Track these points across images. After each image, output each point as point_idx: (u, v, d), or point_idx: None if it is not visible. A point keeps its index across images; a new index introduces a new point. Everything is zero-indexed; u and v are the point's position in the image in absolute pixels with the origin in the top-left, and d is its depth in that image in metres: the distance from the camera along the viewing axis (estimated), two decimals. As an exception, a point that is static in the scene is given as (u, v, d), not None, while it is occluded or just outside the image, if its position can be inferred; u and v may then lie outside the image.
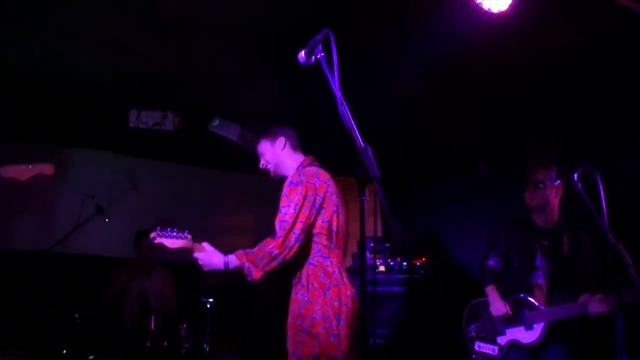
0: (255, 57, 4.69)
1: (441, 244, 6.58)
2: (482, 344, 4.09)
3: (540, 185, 3.95)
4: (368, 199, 2.04)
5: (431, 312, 5.60)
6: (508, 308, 3.95)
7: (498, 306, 3.99)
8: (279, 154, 3.46)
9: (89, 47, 4.60)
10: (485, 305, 4.11)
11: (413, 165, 6.81)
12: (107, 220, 5.66)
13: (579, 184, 3.05)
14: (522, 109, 5.30)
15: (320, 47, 2.29)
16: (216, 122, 5.84)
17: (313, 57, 2.36)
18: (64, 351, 4.77)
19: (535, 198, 4.02)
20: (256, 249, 3.04)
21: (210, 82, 5.19)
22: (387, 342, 5.51)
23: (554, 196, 3.98)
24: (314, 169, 3.31)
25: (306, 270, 3.13)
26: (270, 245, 3.02)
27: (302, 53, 2.39)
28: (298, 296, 3.11)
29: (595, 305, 3.62)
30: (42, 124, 5.87)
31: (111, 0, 3.97)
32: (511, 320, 3.95)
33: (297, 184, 3.14)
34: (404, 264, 5.84)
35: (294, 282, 3.18)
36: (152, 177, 6.48)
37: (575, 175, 3.07)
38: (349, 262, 6.18)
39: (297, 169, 3.38)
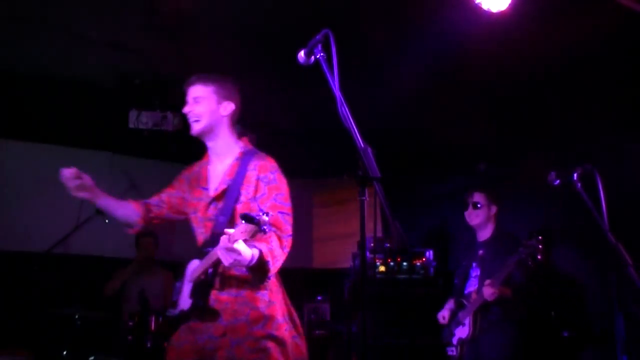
0: (255, 57, 4.69)
1: (442, 244, 6.58)
2: (448, 348, 4.58)
3: (479, 205, 4.51)
4: (368, 199, 2.04)
5: (431, 312, 5.59)
6: (443, 314, 4.64)
7: (440, 314, 4.68)
8: (219, 117, 2.93)
9: (89, 47, 4.61)
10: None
11: (413, 165, 6.81)
12: (107, 221, 5.65)
13: (579, 184, 3.06)
14: (522, 108, 5.31)
15: (319, 47, 2.29)
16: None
17: (313, 57, 2.35)
18: (65, 352, 4.77)
19: (476, 217, 4.56)
20: (273, 245, 2.62)
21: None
22: (386, 343, 5.51)
23: (491, 213, 4.54)
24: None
25: None
26: (284, 243, 2.70)
27: (302, 53, 2.38)
28: (258, 295, 2.72)
29: (487, 290, 4.08)
30: (42, 124, 5.88)
31: (111, 0, 3.97)
32: (455, 323, 4.51)
33: (280, 170, 2.88)
34: (404, 264, 5.84)
35: (244, 285, 2.74)
36: (152, 178, 6.47)
37: (575, 175, 3.09)
38: (349, 262, 6.19)
39: (248, 149, 2.96)
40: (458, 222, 6.50)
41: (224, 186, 2.84)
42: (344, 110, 2.11)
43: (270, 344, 2.64)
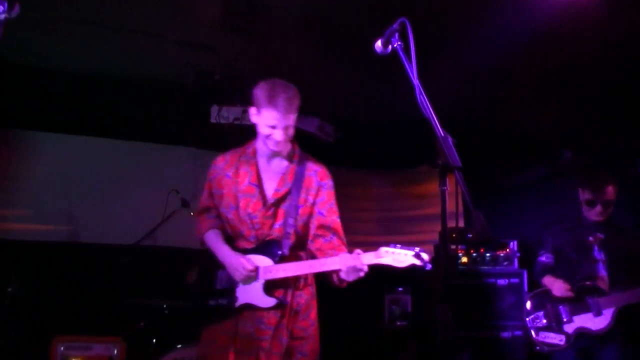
0: (331, 49, 4.69)
1: (525, 234, 6.41)
2: (547, 334, 4.01)
3: (611, 202, 4.02)
4: (449, 188, 2.00)
5: (515, 304, 5.46)
6: (570, 291, 3.94)
7: (560, 286, 3.99)
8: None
9: (168, 47, 4.73)
10: (547, 294, 4.11)
11: (494, 154, 6.65)
12: (192, 213, 5.81)
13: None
14: (609, 92, 5.07)
15: (396, 35, 2.27)
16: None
17: (390, 46, 2.34)
18: (154, 340, 4.93)
19: (601, 215, 4.06)
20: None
21: (287, 75, 5.23)
22: (468, 335, 5.42)
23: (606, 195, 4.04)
24: None
25: None
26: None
27: (379, 42, 2.37)
28: (309, 289, 3.08)
29: None
30: (128, 122, 6.10)
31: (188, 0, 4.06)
32: (577, 308, 3.93)
33: None
34: (487, 255, 5.71)
35: (305, 283, 3.07)
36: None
37: None
38: (430, 253, 6.12)
39: (302, 153, 3.13)
40: (540, 212, 6.36)
41: (286, 189, 2.97)
42: (423, 99, 2.08)
43: (310, 333, 2.99)
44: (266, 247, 2.95)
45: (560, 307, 4.00)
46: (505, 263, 5.70)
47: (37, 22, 4.23)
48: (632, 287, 3.80)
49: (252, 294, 2.91)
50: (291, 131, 2.94)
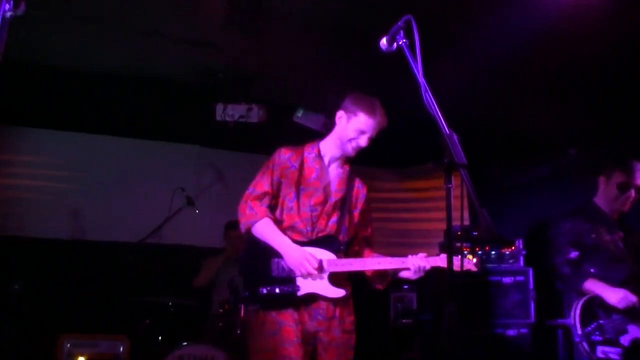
0: (335, 48, 4.68)
1: (531, 232, 6.39)
2: (606, 349, 3.52)
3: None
4: (454, 186, 2.00)
5: (520, 302, 5.45)
6: (633, 295, 3.51)
7: (622, 296, 3.54)
8: None
9: (173, 46, 4.74)
10: (598, 302, 3.64)
11: (499, 152, 6.64)
12: (197, 211, 5.83)
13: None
14: (614, 90, 5.05)
15: (401, 33, 2.26)
16: (300, 113, 5.90)
17: (395, 43, 2.33)
18: (160, 338, 4.95)
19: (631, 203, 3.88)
20: None
21: (292, 74, 5.24)
22: (474, 333, 5.41)
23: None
24: None
25: None
26: None
27: (384, 40, 2.36)
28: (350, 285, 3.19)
29: None
30: (133, 120, 6.11)
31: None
32: (631, 316, 3.52)
33: None
34: (493, 253, 5.70)
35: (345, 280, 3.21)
36: (238, 169, 6.62)
37: None
38: (435, 251, 6.11)
39: (352, 172, 3.36)
40: (547, 209, 6.34)
41: (342, 193, 3.17)
42: (428, 97, 2.08)
43: (354, 328, 3.14)
44: (326, 241, 3.08)
45: (614, 316, 3.56)
46: (511, 261, 5.67)
47: (42, 20, 4.24)
48: None
49: (317, 285, 3.00)
50: (367, 145, 3.15)
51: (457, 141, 2.00)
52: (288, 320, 2.95)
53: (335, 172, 3.22)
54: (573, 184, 5.98)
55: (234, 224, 5.75)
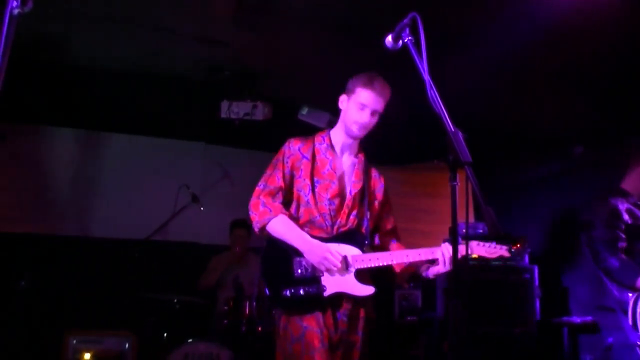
0: (342, 45, 4.68)
1: (536, 231, 6.39)
2: None
3: None
4: (459, 184, 2.00)
5: (526, 300, 5.44)
6: None
7: None
8: None
9: (180, 42, 4.74)
10: None
11: (506, 150, 6.62)
12: (202, 208, 5.84)
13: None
14: (619, 89, 5.03)
15: (407, 30, 2.26)
16: (305, 111, 5.90)
17: (400, 41, 2.33)
18: (164, 335, 4.96)
19: None
20: None
21: (298, 71, 5.24)
22: (479, 330, 5.41)
23: None
24: None
25: None
26: None
27: (389, 37, 2.36)
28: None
29: None
30: (138, 117, 6.13)
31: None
32: None
33: None
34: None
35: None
36: (244, 166, 6.64)
37: None
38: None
39: (368, 162, 3.17)
40: (553, 207, 6.33)
41: (360, 184, 3.02)
42: (434, 94, 2.08)
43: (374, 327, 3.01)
44: (349, 236, 2.92)
45: None
46: (517, 259, 5.67)
47: (49, 17, 4.25)
48: None
49: (344, 283, 2.84)
50: (375, 120, 2.98)
51: (462, 139, 2.00)
52: (312, 325, 2.78)
53: (349, 162, 3.07)
54: (580, 181, 5.96)
55: (239, 222, 5.79)
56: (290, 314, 2.81)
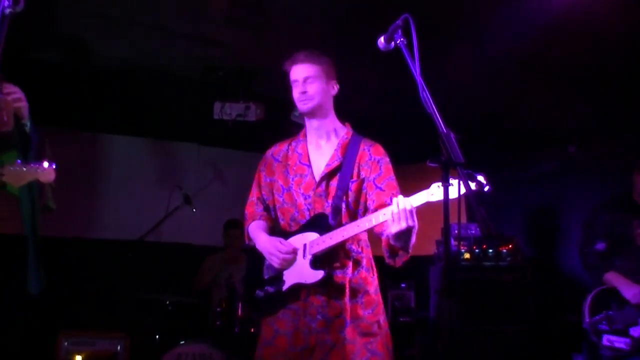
0: (335, 45, 4.69)
1: (528, 230, 6.41)
2: (612, 337, 3.69)
3: None
4: (452, 185, 2.00)
5: (519, 299, 5.46)
6: (635, 292, 3.64)
7: (637, 292, 3.66)
8: (328, 96, 2.95)
9: (173, 41, 4.73)
10: (613, 293, 3.78)
11: (499, 149, 6.64)
12: (194, 210, 5.83)
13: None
14: (617, 85, 5.05)
15: (399, 32, 2.27)
16: (298, 112, 5.89)
17: (393, 42, 2.34)
18: (157, 336, 4.95)
19: None
20: None
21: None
22: (472, 330, 5.43)
23: None
24: None
25: (368, 253, 2.86)
26: None
27: (382, 39, 2.37)
28: (370, 278, 2.80)
29: None
30: (130, 117, 6.11)
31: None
32: None
33: None
34: (490, 251, 5.70)
35: (357, 264, 2.79)
36: (237, 167, 6.64)
37: None
38: (433, 249, 6.11)
39: (355, 132, 2.99)
40: (547, 206, 6.35)
41: (337, 162, 2.84)
42: (426, 96, 2.08)
43: (378, 330, 2.71)
44: (313, 223, 2.78)
45: (627, 308, 3.71)
46: (509, 259, 5.69)
47: (42, 16, 4.24)
48: None
49: (299, 273, 2.72)
50: (315, 86, 2.87)
51: (454, 139, 2.01)
52: (284, 327, 2.70)
53: (329, 146, 2.93)
54: (575, 180, 5.99)
55: (233, 223, 5.79)
56: (263, 317, 2.81)
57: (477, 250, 5.71)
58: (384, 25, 2.35)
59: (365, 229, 2.61)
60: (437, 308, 5.79)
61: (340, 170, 2.83)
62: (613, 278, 3.82)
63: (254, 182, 3.08)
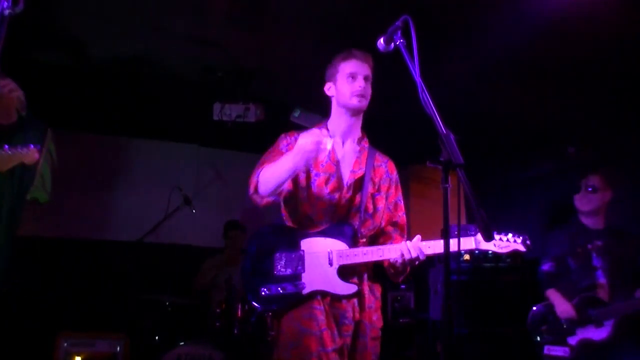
0: (336, 46, 4.68)
1: (528, 231, 6.40)
2: (552, 347, 4.09)
3: (594, 189, 4.14)
4: (451, 186, 2.00)
5: (517, 300, 5.46)
6: (574, 310, 4.00)
7: (564, 308, 4.04)
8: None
9: (173, 42, 4.73)
10: (549, 308, 4.17)
11: (498, 150, 6.64)
12: (194, 211, 5.83)
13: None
14: (613, 89, 5.05)
15: (399, 33, 2.27)
16: (297, 113, 5.89)
17: (392, 43, 2.34)
18: (157, 337, 4.94)
19: (588, 203, 4.15)
20: None
21: (291, 73, 5.23)
22: (472, 331, 5.42)
23: (605, 199, 4.14)
24: None
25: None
26: None
27: (381, 40, 2.37)
28: (377, 286, 2.88)
29: None
30: (130, 118, 6.11)
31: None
32: (580, 320, 3.99)
33: None
34: (490, 252, 5.69)
35: (371, 270, 2.88)
36: (236, 168, 6.63)
37: None
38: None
39: (373, 149, 2.97)
40: (546, 207, 6.34)
41: (361, 172, 2.85)
42: (425, 97, 2.08)
43: (380, 335, 2.81)
44: (339, 230, 2.75)
45: (563, 320, 4.07)
46: (508, 260, 5.69)
47: (40, 15, 4.24)
48: (630, 298, 3.89)
49: (324, 280, 2.68)
50: (370, 88, 2.85)
51: (454, 141, 2.00)
52: (312, 328, 2.61)
53: (352, 150, 2.90)
54: (575, 181, 5.99)
55: (233, 224, 5.80)
56: (280, 315, 2.69)
57: (476, 252, 5.70)
58: (383, 26, 2.35)
59: (386, 257, 2.70)
60: (440, 310, 5.79)
61: (364, 180, 2.84)
62: (551, 295, 4.19)
63: (268, 157, 2.84)
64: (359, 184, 2.83)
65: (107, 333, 4.89)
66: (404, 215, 2.96)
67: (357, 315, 2.72)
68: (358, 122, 2.93)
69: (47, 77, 5.29)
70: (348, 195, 2.80)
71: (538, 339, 4.19)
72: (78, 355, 4.68)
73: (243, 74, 5.28)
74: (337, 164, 2.85)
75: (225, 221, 5.95)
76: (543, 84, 5.12)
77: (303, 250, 2.73)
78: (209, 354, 4.56)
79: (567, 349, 4.01)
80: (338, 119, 2.91)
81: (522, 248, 2.77)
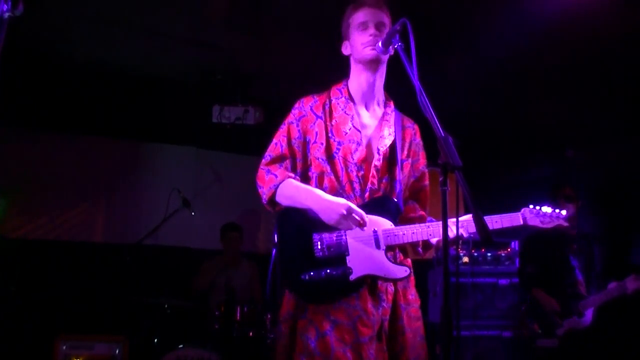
0: (332, 49, 4.69)
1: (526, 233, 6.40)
2: (543, 340, 4.63)
3: (565, 199, 4.66)
4: (449, 188, 2.00)
5: (516, 303, 5.45)
6: (558, 305, 4.60)
7: (550, 304, 4.65)
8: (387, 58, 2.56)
9: (173, 45, 4.74)
10: (538, 304, 4.73)
11: (496, 153, 6.65)
12: (193, 213, 5.83)
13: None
14: (613, 92, 5.06)
15: (397, 36, 2.28)
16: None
17: (391, 47, 2.36)
18: (156, 340, 4.94)
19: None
20: None
21: (289, 75, 5.24)
22: (471, 334, 5.42)
23: (577, 207, 4.74)
24: None
25: None
26: None
27: (380, 43, 2.39)
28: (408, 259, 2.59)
29: (632, 283, 4.28)
30: (129, 121, 6.11)
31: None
32: (565, 314, 4.58)
33: None
34: (489, 254, 5.70)
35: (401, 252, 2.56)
36: (235, 171, 6.63)
37: None
38: (431, 253, 6.10)
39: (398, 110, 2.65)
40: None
41: (392, 139, 2.53)
42: (424, 100, 2.09)
43: (420, 313, 2.55)
44: (380, 205, 2.42)
45: (552, 316, 4.64)
46: (507, 262, 5.69)
47: (41, 19, 4.24)
48: (604, 289, 4.47)
49: (372, 264, 2.33)
50: (385, 34, 2.42)
51: (452, 143, 2.01)
52: (344, 318, 2.30)
53: (375, 114, 2.58)
54: (573, 184, 6.00)
55: (231, 226, 5.80)
56: (314, 304, 2.33)
57: (475, 254, 5.71)
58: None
59: (435, 237, 2.42)
60: (439, 312, 5.78)
61: (395, 147, 2.52)
62: (536, 294, 4.77)
63: (281, 137, 2.58)
64: (391, 152, 2.52)
65: (106, 336, 4.88)
66: (428, 186, 2.63)
67: (392, 296, 2.41)
68: (380, 81, 2.57)
69: (45, 79, 5.30)
70: (379, 164, 2.47)
71: (529, 332, 4.72)
72: (77, 358, 4.67)
73: (242, 76, 5.29)
74: (362, 129, 2.51)
75: (223, 223, 5.95)
76: (542, 87, 5.14)
77: (344, 231, 2.38)
78: (207, 356, 4.56)
79: (555, 340, 4.56)
80: (357, 78, 2.57)
81: (564, 223, 2.68)
